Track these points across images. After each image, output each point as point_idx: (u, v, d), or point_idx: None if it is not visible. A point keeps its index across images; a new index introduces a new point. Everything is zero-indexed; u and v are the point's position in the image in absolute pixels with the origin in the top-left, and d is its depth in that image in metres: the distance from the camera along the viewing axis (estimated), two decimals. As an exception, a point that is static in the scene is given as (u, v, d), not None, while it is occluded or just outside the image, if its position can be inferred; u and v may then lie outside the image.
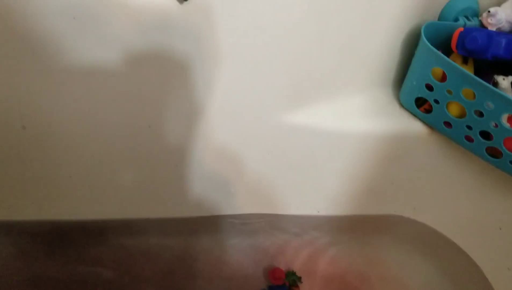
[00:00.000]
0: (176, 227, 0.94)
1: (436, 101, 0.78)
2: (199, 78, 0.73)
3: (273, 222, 1.02)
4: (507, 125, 0.69)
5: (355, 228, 1.04)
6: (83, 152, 0.81)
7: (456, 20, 0.81)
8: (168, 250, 0.92)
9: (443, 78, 0.75)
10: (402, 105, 0.87)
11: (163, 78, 0.72)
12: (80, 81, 0.70)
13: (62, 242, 0.89)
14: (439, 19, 0.83)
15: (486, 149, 0.75)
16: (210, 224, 0.97)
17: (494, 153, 0.75)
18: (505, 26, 0.77)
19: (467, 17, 0.81)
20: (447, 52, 0.76)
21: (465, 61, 0.78)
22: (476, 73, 0.75)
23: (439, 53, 0.73)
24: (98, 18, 0.63)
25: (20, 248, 0.88)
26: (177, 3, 0.64)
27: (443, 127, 0.80)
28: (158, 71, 0.71)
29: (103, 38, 0.65)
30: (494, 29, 0.77)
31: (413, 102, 0.84)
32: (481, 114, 0.72)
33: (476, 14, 0.82)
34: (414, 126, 0.86)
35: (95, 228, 0.90)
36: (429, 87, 0.78)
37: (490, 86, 0.68)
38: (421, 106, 0.84)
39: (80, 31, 0.64)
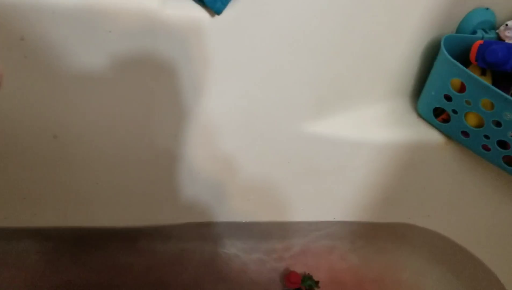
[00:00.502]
0: (202, 233, 0.96)
1: (454, 111, 0.80)
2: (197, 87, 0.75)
3: (289, 228, 1.04)
4: (525, 134, 0.71)
5: (370, 235, 1.05)
6: (106, 159, 0.83)
7: (474, 33, 0.83)
8: (195, 256, 0.94)
9: (462, 89, 0.77)
10: (419, 114, 0.90)
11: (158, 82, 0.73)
12: (93, 89, 0.72)
13: (89, 248, 0.91)
14: (457, 32, 0.85)
15: (503, 158, 0.77)
16: (232, 230, 0.99)
17: (510, 162, 0.77)
18: (522, 39, 0.80)
19: (484, 30, 0.83)
20: (465, 64, 0.78)
21: (483, 73, 0.80)
22: (494, 84, 0.78)
23: (459, 64, 0.75)
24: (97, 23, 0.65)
25: (47, 254, 0.89)
26: (209, 16, 0.66)
27: (460, 137, 0.82)
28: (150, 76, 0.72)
29: (102, 44, 0.66)
30: (511, 42, 0.80)
31: (431, 112, 0.86)
32: (498, 124, 0.74)
33: (493, 27, 0.84)
34: (431, 135, 0.88)
35: (123, 234, 0.92)
36: (448, 98, 0.80)
37: (509, 96, 0.70)
38: (438, 116, 0.86)
39: (82, 37, 0.65)
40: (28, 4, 0.60)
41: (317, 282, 1.01)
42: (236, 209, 0.98)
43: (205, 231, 0.98)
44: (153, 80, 0.72)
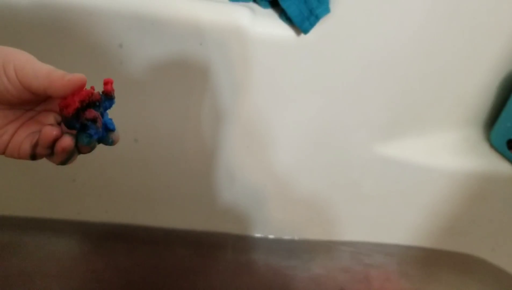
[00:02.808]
0: (253, 246, 0.99)
1: (531, 145, 0.79)
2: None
3: (344, 248, 1.04)
4: None
5: (429, 262, 1.03)
6: (175, 162, 0.87)
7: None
8: (250, 268, 0.96)
9: (541, 123, 0.76)
10: (492, 145, 0.88)
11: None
12: (168, 96, 0.76)
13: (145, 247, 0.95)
14: (537, 64, 0.84)
15: None
16: (297, 247, 1.00)
17: None
18: None
19: None
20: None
21: None
22: None
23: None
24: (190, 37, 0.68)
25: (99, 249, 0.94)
26: (295, 35, 0.69)
27: (535, 171, 0.81)
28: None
29: (189, 56, 0.70)
30: None
31: (505, 143, 0.85)
32: None
33: None
34: (503, 167, 0.86)
35: (188, 236, 0.96)
36: (524, 130, 0.79)
37: None
38: (512, 148, 0.85)
39: (173, 48, 0.70)
40: (130, 14, 0.65)
41: (371, 306, 1.00)
42: (292, 225, 0.99)
43: (259, 244, 1.00)
44: (233, 91, 0.75)
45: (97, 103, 0.36)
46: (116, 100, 0.38)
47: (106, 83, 0.37)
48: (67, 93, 0.34)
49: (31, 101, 0.37)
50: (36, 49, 0.66)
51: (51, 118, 0.38)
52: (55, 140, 0.34)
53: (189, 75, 0.73)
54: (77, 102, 0.34)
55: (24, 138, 0.36)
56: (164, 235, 0.96)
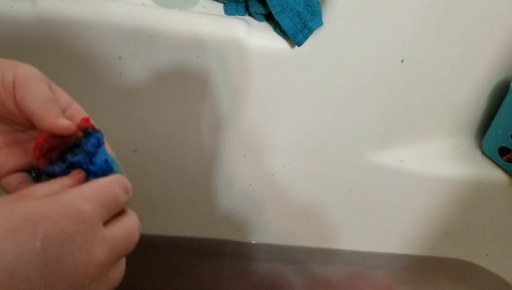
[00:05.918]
0: (266, 253, 1.00)
1: (521, 152, 0.81)
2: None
3: (338, 256, 1.05)
4: None
5: (424, 269, 1.05)
6: (175, 171, 0.88)
7: (545, 76, 0.84)
8: (262, 273, 0.97)
9: (531, 130, 0.78)
10: (484, 152, 0.90)
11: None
12: (167, 107, 0.77)
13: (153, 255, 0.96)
14: (526, 73, 0.86)
15: None
16: (294, 254, 1.01)
17: None
18: None
19: (555, 74, 0.83)
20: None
21: (554, 116, 0.81)
22: None
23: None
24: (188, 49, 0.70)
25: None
26: (290, 47, 0.71)
27: (526, 178, 0.83)
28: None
29: (186, 67, 0.72)
30: None
31: (496, 151, 0.87)
32: None
33: None
34: (495, 174, 0.88)
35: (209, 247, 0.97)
36: (515, 138, 0.81)
37: None
38: (504, 155, 0.86)
39: (170, 60, 0.71)
40: (129, 27, 0.67)
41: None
42: (288, 231, 1.01)
43: (256, 251, 1.01)
44: (230, 99, 0.77)
45: (76, 144, 0.32)
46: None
47: (81, 120, 0.33)
48: (48, 131, 0.31)
49: (13, 118, 0.33)
50: (38, 61, 0.69)
51: None
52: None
53: (187, 85, 0.75)
54: (37, 151, 0.31)
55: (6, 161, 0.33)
56: (163, 242, 0.97)
